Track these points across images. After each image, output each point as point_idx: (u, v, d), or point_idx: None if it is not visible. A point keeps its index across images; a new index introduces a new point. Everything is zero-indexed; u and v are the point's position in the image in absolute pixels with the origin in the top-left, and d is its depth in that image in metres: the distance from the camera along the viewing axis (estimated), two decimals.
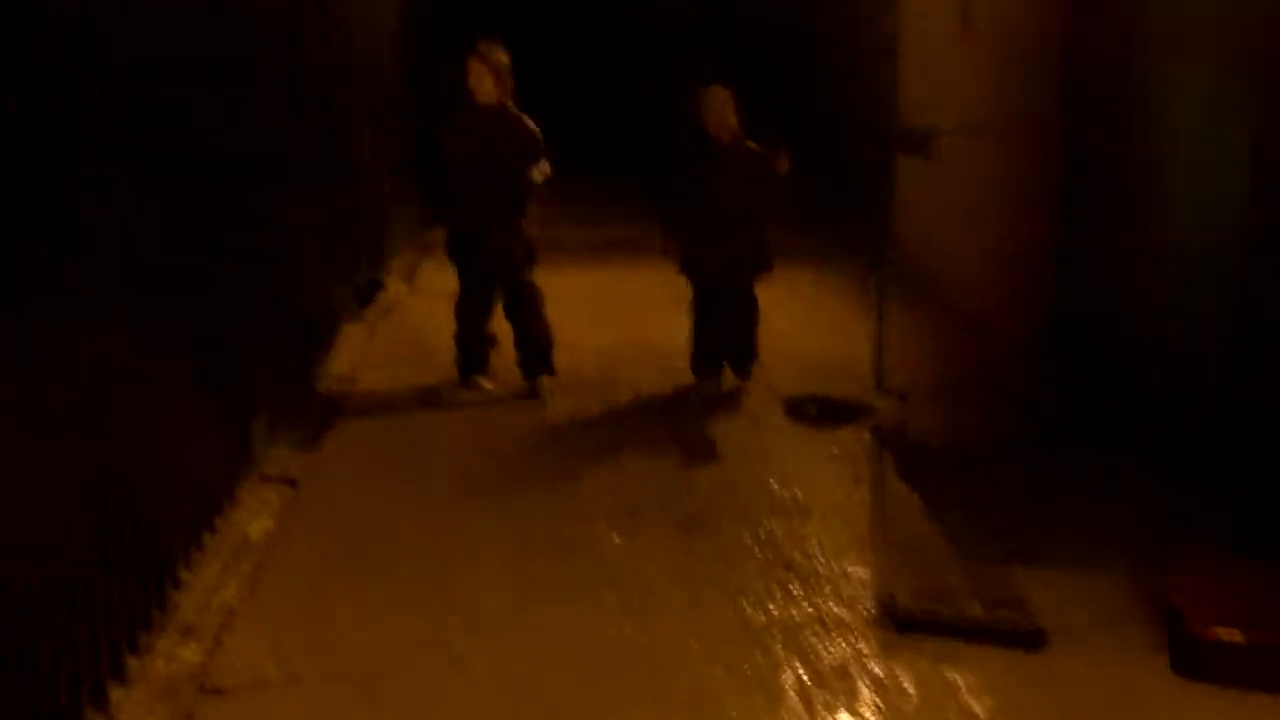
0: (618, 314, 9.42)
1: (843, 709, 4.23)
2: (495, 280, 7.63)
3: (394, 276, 10.53)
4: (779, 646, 4.63)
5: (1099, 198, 7.43)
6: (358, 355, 8.24)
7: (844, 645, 4.66)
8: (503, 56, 7.52)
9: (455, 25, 16.43)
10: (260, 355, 6.06)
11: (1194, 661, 4.47)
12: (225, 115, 5.57)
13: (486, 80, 7.43)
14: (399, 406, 7.38)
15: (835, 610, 4.94)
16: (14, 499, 3.39)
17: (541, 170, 7.52)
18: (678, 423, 7.19)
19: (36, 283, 3.53)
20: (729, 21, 17.32)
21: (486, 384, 7.70)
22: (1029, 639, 4.66)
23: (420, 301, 10.07)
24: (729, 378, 7.76)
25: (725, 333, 7.69)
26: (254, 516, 5.46)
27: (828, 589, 5.13)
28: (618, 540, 5.56)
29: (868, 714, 4.22)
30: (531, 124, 7.54)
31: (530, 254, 7.65)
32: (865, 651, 4.62)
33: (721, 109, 7.42)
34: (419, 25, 13.22)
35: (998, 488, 6.22)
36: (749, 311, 7.71)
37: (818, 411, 7.34)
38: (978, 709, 4.24)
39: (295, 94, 7.22)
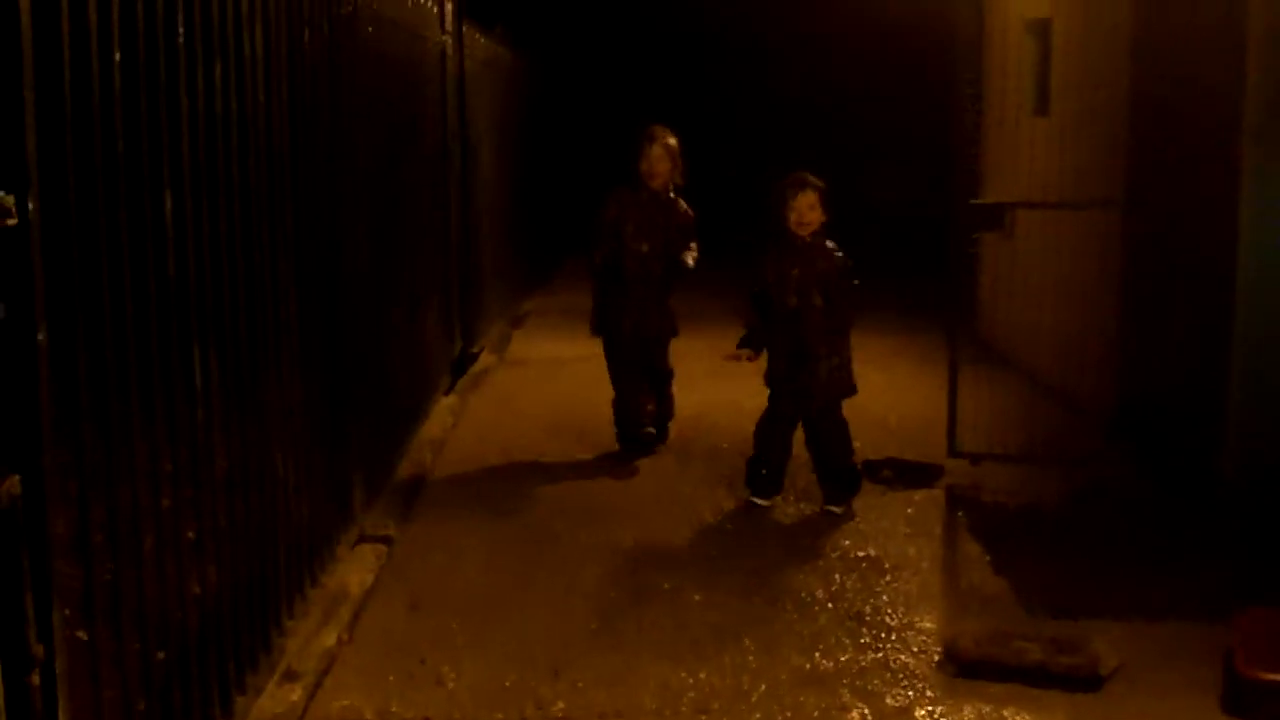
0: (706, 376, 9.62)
1: None
2: (642, 356, 8.01)
3: (486, 349, 10.90)
4: (845, 691, 4.86)
5: (1166, 278, 7.58)
6: (450, 423, 8.57)
7: (908, 689, 4.88)
8: (675, 140, 7.87)
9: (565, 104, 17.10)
10: (361, 423, 6.40)
11: (1240, 701, 4.65)
12: (354, 209, 6.13)
13: (663, 164, 7.80)
14: (486, 471, 7.69)
15: (902, 658, 5.16)
16: (139, 541, 3.72)
17: (694, 255, 7.85)
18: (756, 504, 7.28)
19: (166, 364, 3.88)
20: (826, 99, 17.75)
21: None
22: (1086, 681, 4.86)
23: (510, 371, 10.45)
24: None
25: (810, 453, 7.17)
26: (353, 571, 5.78)
27: (895, 638, 5.35)
28: (696, 595, 5.80)
29: None
30: (688, 208, 7.93)
31: (673, 332, 8.11)
32: (928, 695, 4.84)
33: (809, 207, 6.90)
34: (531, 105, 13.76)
35: (1069, 547, 6.42)
36: (838, 433, 7.10)
37: (893, 474, 7.56)
38: None
39: (409, 187, 7.70)
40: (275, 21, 4.89)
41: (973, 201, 7.99)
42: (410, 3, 8.10)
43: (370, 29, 6.62)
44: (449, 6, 9.52)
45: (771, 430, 7.12)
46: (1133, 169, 7.97)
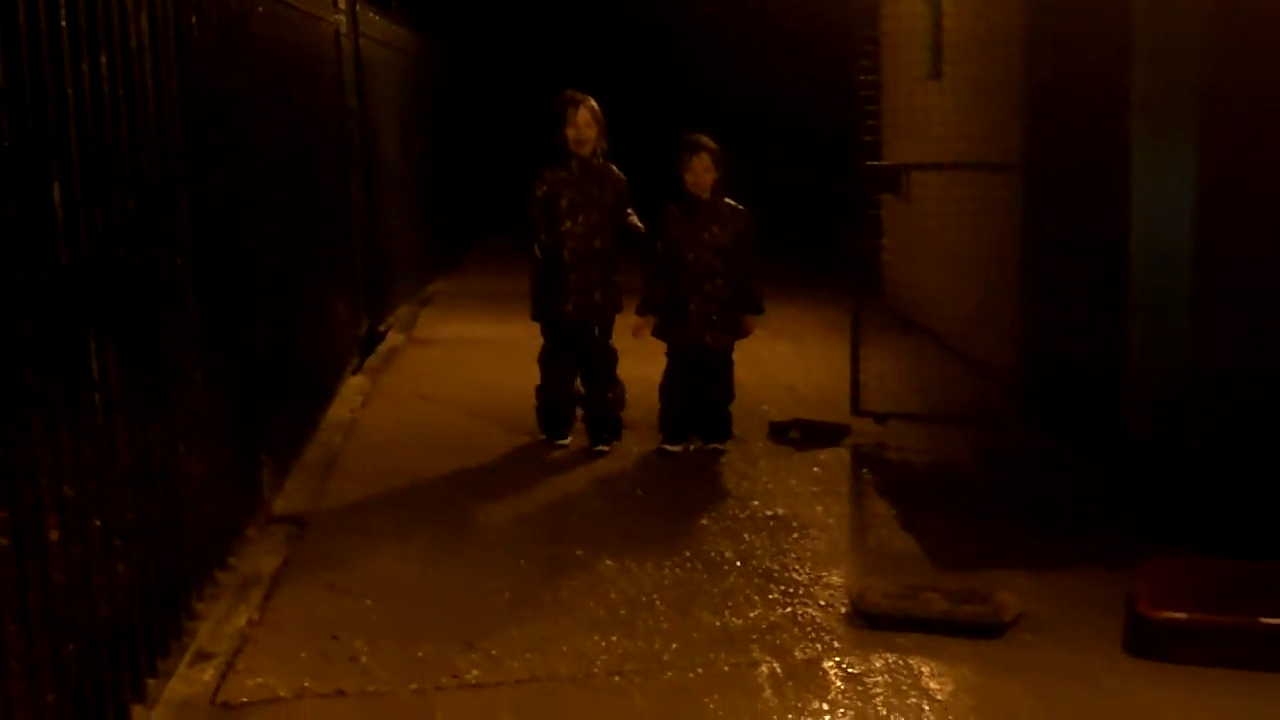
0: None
1: (814, 697, 4.53)
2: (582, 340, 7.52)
3: (394, 328, 10.89)
4: (755, 647, 4.93)
5: (1065, 242, 7.69)
6: (359, 402, 8.57)
7: (816, 642, 4.97)
8: (597, 105, 7.37)
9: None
10: (269, 404, 6.39)
11: (1142, 641, 4.77)
12: (251, 190, 6.14)
13: (591, 129, 7.29)
14: (397, 450, 7.69)
15: (810, 612, 5.25)
16: (44, 536, 3.71)
17: (636, 223, 7.43)
18: (668, 450, 7.47)
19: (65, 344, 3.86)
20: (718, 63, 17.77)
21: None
22: (991, 629, 4.96)
23: (418, 351, 10.45)
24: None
25: (698, 400, 7.51)
26: (263, 553, 5.78)
27: (804, 594, 5.44)
28: (610, 563, 5.84)
29: (837, 700, 4.51)
30: (621, 173, 7.47)
31: (617, 309, 7.60)
32: (837, 647, 4.93)
33: (704, 169, 7.22)
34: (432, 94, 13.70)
35: (976, 504, 6.54)
36: (727, 377, 7.55)
37: (800, 434, 7.65)
38: (939, 693, 4.54)
39: (308, 168, 7.67)
40: (162, 7, 4.86)
41: (870, 163, 8.10)
42: None
43: (260, 9, 6.58)
44: None
45: (676, 382, 7.49)
46: (1029, 133, 8.08)
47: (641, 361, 7.75)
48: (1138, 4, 6.77)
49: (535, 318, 7.56)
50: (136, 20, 4.56)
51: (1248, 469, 5.93)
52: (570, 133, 7.28)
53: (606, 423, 7.57)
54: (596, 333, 7.48)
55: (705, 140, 7.27)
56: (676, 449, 7.43)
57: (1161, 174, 6.67)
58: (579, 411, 7.74)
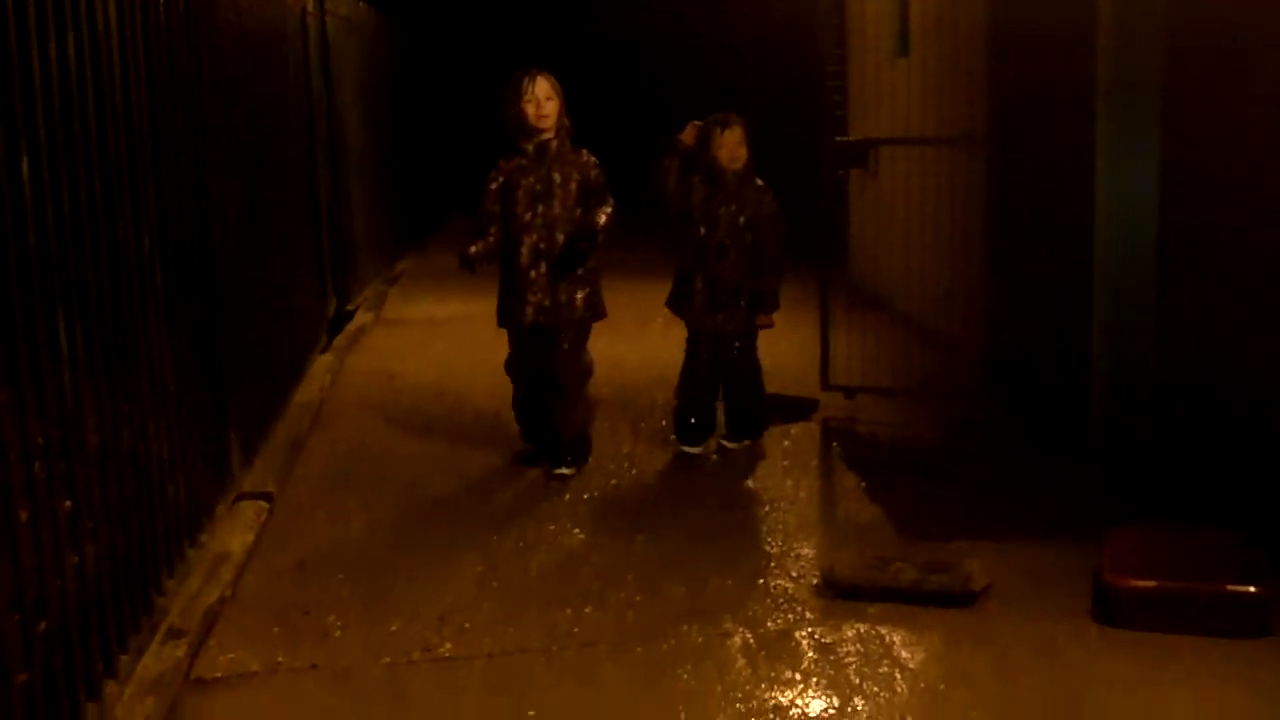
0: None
1: (786, 667, 4.55)
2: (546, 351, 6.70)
3: (362, 307, 10.87)
4: (728, 619, 4.95)
5: (1030, 220, 7.71)
6: (327, 381, 8.55)
7: (788, 613, 4.99)
8: (555, 80, 6.59)
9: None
10: (237, 383, 6.37)
11: (1109, 609, 4.81)
12: (202, 147, 6.01)
13: (552, 104, 6.51)
14: (365, 429, 7.68)
15: (782, 584, 5.27)
16: (13, 516, 3.70)
17: (607, 212, 6.62)
18: (635, 428, 7.48)
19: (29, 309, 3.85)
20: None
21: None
22: (960, 598, 5.00)
23: (386, 330, 10.45)
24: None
25: (721, 396, 7.06)
26: (234, 530, 5.76)
27: (775, 566, 5.46)
28: (581, 538, 5.86)
29: (809, 670, 4.53)
30: (592, 156, 6.69)
31: (594, 315, 6.74)
32: (809, 618, 4.95)
33: (737, 143, 6.77)
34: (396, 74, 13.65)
35: (944, 477, 6.58)
36: (753, 371, 7.09)
37: (770, 407, 7.66)
38: (910, 662, 4.57)
39: (264, 130, 7.62)
40: None
41: (838, 139, 8.12)
42: None
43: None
44: None
45: (692, 377, 7.00)
46: (995, 112, 8.11)
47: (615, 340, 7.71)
48: None
49: (500, 324, 6.77)
50: (104, 1, 4.53)
51: (1206, 446, 5.97)
52: (529, 109, 6.45)
53: (568, 445, 6.74)
54: (562, 341, 6.61)
55: (735, 115, 6.82)
56: (695, 450, 6.96)
57: (1126, 154, 6.69)
58: None
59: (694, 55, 17.89)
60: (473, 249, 6.47)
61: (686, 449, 6.96)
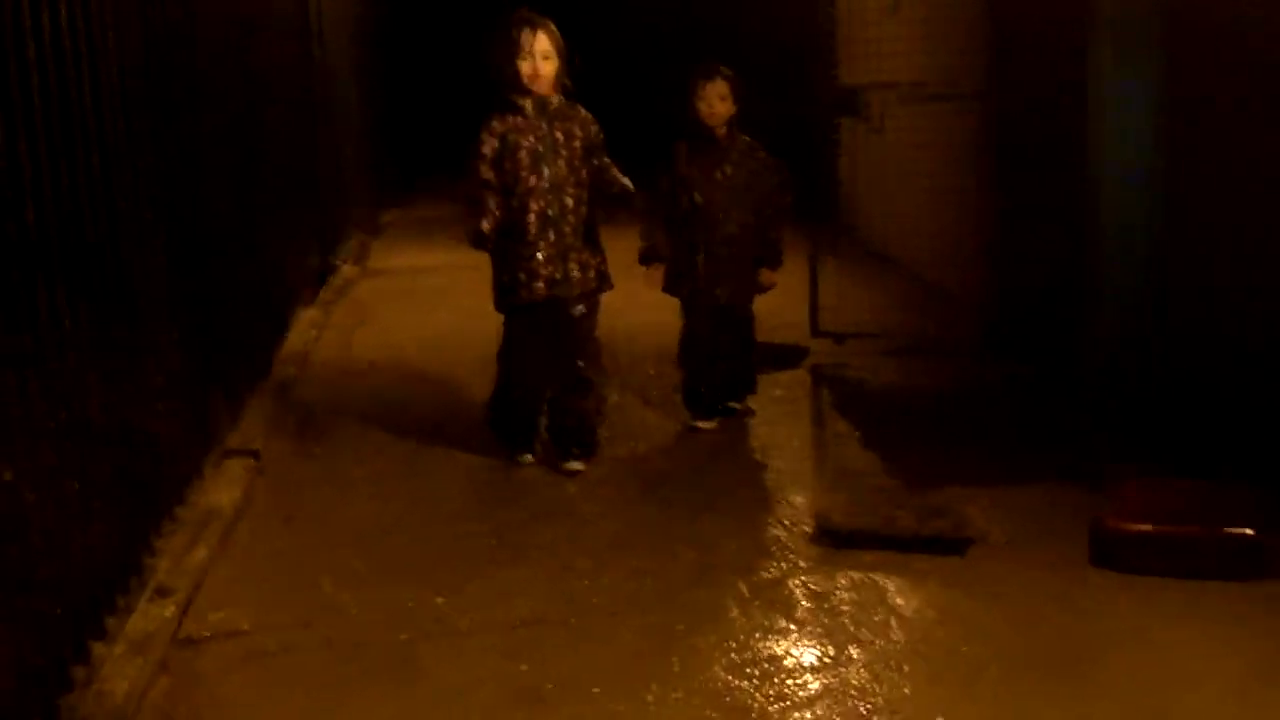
0: None
1: (779, 616, 4.51)
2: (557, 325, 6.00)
3: (348, 260, 10.79)
4: (722, 570, 4.91)
5: (1034, 172, 7.62)
6: (313, 335, 8.48)
7: (782, 563, 4.95)
8: (554, 28, 5.86)
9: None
10: (222, 336, 6.30)
11: (1106, 552, 4.79)
12: (197, 114, 5.98)
13: (550, 63, 5.79)
14: (353, 380, 7.62)
15: (775, 533, 5.23)
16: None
17: (619, 177, 6.02)
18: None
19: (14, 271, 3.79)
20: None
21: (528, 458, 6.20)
22: (956, 544, 4.97)
23: (371, 282, 10.38)
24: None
25: (724, 365, 6.65)
26: (221, 487, 5.70)
27: (768, 516, 5.42)
28: (590, 506, 5.69)
29: (804, 619, 4.50)
30: (589, 114, 6.02)
31: (605, 285, 6.07)
32: (802, 566, 4.91)
33: (719, 97, 6.31)
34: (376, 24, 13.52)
35: (939, 424, 6.54)
36: (750, 334, 6.72)
37: (760, 357, 7.58)
38: (905, 609, 4.54)
39: (258, 94, 7.54)
40: None
41: (834, 84, 8.04)
42: None
43: None
44: None
45: (696, 348, 6.59)
46: (994, 59, 8.01)
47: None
48: None
49: (499, 307, 6.01)
50: None
51: (1211, 396, 5.92)
52: (524, 66, 5.74)
53: (582, 435, 6.13)
54: (576, 317, 5.97)
55: (722, 67, 6.34)
56: (709, 425, 6.59)
57: (1126, 97, 6.57)
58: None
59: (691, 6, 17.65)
60: (484, 225, 5.72)
61: (700, 424, 6.59)
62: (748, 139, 6.44)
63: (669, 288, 6.48)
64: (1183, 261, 6.18)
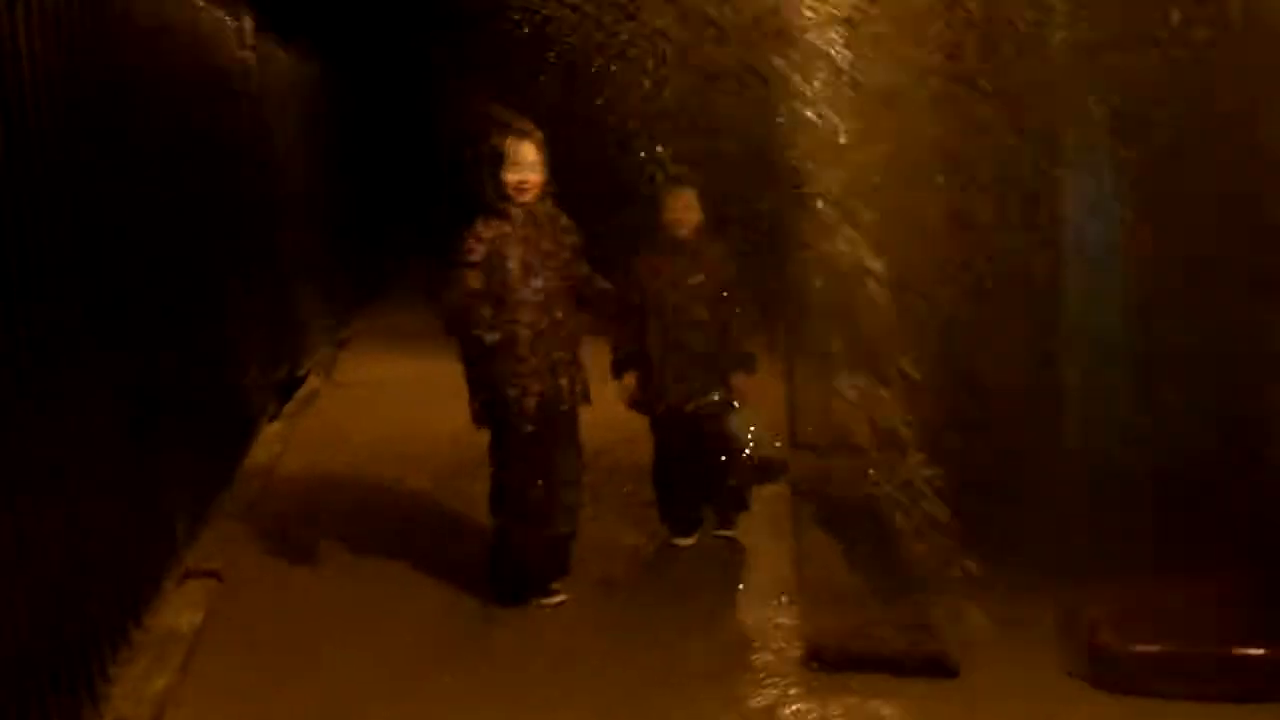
0: None
1: None
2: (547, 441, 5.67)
3: (312, 371, 10.59)
4: (708, 696, 4.71)
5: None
6: (277, 450, 8.26)
7: (771, 689, 4.75)
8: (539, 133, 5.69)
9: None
10: (182, 452, 6.10)
11: (1105, 673, 4.61)
12: (158, 225, 5.86)
13: (538, 172, 5.58)
14: (318, 497, 7.38)
15: (764, 657, 5.04)
16: None
17: (603, 284, 5.85)
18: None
19: None
20: None
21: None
22: (947, 666, 4.78)
23: (337, 394, 10.16)
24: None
25: (700, 477, 6.42)
26: (181, 610, 5.47)
27: (753, 636, 5.22)
28: (545, 609, 5.59)
29: None
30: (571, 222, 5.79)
31: (586, 396, 5.83)
32: (793, 693, 4.71)
33: (684, 207, 6.20)
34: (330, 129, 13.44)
35: (915, 530, 6.35)
36: (728, 446, 6.42)
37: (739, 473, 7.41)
38: None
39: (220, 206, 7.38)
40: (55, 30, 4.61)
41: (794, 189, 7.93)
42: (208, 20, 7.76)
43: (164, 43, 6.32)
44: (247, 23, 9.18)
45: (664, 463, 6.40)
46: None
47: None
48: None
49: (480, 421, 5.66)
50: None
51: (1200, 479, 5.77)
52: (509, 178, 5.54)
53: (563, 563, 5.84)
54: (566, 433, 5.72)
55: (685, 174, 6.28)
56: (686, 542, 6.35)
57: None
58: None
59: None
60: (487, 337, 5.47)
61: (677, 541, 6.36)
62: (712, 244, 6.27)
63: (637, 405, 6.31)
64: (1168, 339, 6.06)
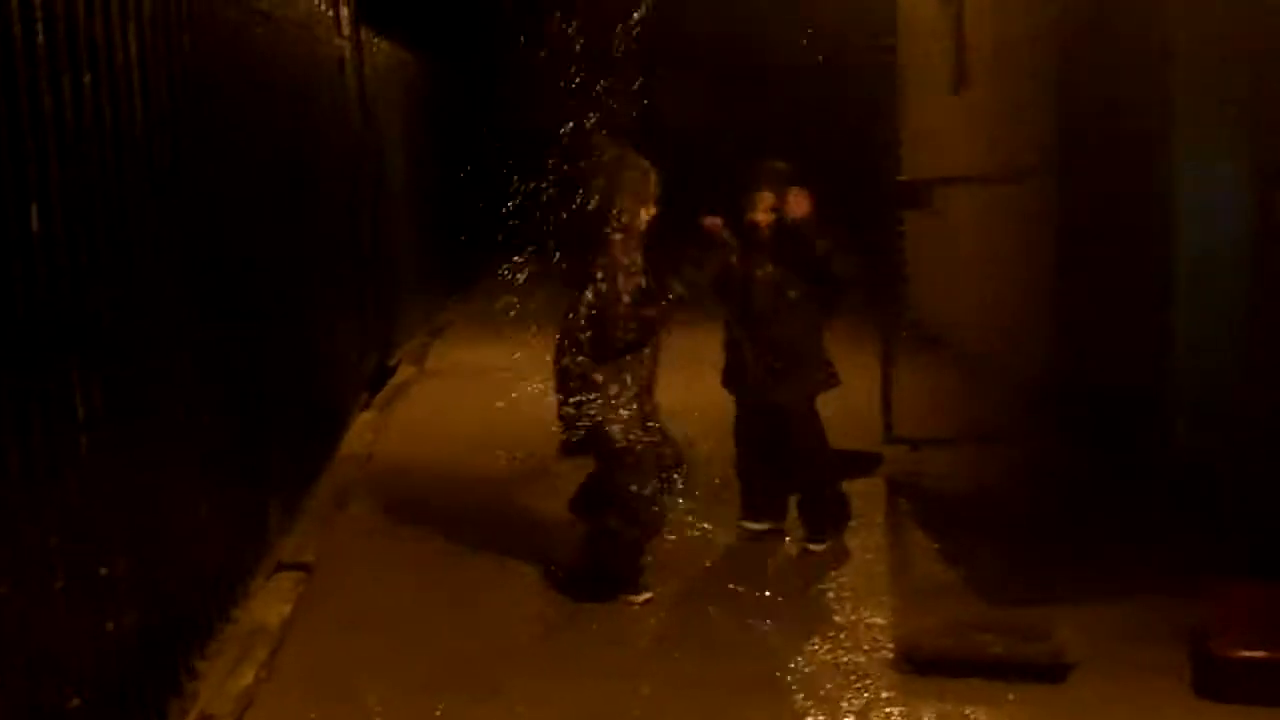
0: None
1: None
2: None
3: (405, 360, 10.59)
4: (800, 696, 4.60)
5: (1103, 251, 7.34)
6: (370, 439, 8.24)
7: (864, 692, 4.62)
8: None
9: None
10: (275, 443, 6.08)
11: (1213, 681, 4.43)
12: (254, 221, 5.90)
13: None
14: (409, 488, 7.35)
15: (855, 658, 4.90)
16: (38, 594, 3.42)
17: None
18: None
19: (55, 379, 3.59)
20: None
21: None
22: (1050, 671, 4.62)
23: (430, 383, 10.15)
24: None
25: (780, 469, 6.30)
26: (270, 604, 5.45)
27: (846, 637, 5.10)
28: (635, 605, 5.50)
29: None
30: None
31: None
32: (885, 697, 4.58)
33: (765, 209, 6.11)
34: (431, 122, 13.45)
35: (1018, 529, 6.21)
36: (815, 441, 6.25)
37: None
38: None
39: (317, 197, 7.37)
40: (164, 35, 4.60)
41: (899, 179, 7.80)
42: (303, 9, 7.72)
43: (259, 32, 6.29)
44: (344, 11, 9.17)
45: (749, 446, 6.34)
46: (1063, 143, 7.76)
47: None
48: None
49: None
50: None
51: None
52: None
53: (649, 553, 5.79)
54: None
55: (778, 177, 6.11)
56: (756, 526, 6.30)
57: (1207, 177, 6.30)
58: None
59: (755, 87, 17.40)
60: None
61: (745, 523, 6.33)
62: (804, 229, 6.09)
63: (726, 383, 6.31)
64: (1273, 339, 5.86)
